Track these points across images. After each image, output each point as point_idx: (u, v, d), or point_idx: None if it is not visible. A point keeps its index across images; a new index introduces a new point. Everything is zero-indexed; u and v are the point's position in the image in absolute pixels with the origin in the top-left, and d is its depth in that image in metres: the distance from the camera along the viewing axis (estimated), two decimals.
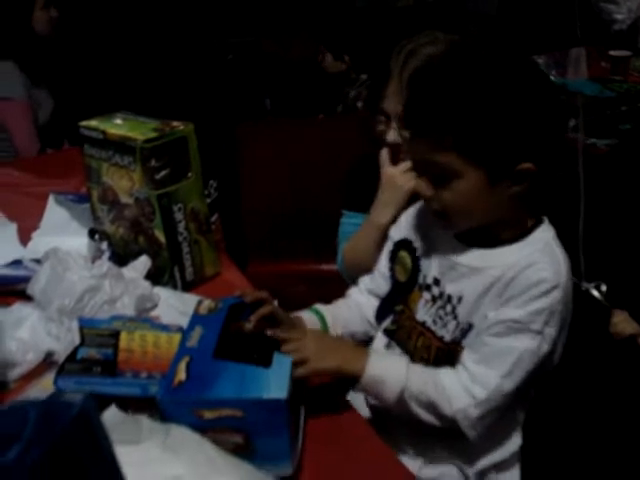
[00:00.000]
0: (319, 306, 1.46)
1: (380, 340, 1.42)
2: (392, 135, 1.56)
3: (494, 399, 1.19)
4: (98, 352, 1.21)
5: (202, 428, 1.03)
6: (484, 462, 1.29)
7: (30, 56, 3.04)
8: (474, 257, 1.26)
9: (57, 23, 3.08)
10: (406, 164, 1.53)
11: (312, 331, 1.30)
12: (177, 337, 1.23)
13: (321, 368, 1.20)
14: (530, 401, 1.34)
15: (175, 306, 1.45)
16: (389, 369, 1.23)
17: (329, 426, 1.21)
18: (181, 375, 1.08)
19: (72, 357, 1.21)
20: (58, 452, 0.63)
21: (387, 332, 1.41)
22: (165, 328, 1.29)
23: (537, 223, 1.26)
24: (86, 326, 1.26)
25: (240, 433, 1.05)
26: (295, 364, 1.16)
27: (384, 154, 1.58)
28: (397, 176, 1.55)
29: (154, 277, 1.56)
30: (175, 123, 1.55)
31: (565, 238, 1.28)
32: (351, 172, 1.74)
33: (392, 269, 1.42)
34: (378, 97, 1.58)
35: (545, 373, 1.26)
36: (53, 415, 0.65)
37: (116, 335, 1.24)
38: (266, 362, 1.11)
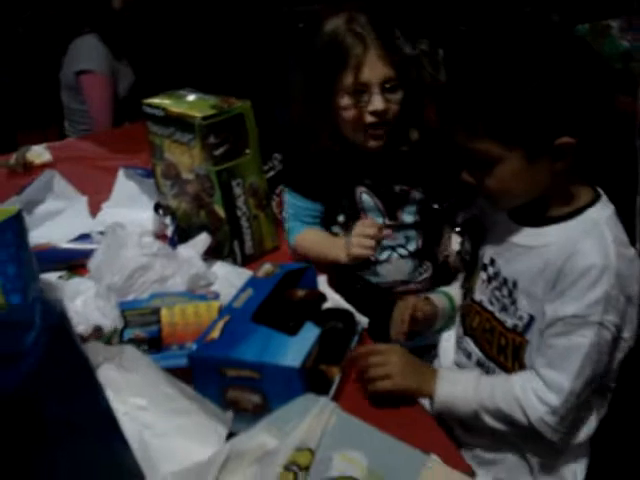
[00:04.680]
0: (446, 288, 1.52)
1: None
2: (377, 102, 1.51)
3: (569, 402, 1.18)
4: (143, 331, 1.28)
5: (225, 384, 1.11)
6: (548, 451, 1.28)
7: (112, 30, 3.12)
8: (526, 235, 1.25)
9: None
10: (362, 230, 1.51)
11: (397, 348, 1.30)
12: (215, 304, 1.31)
13: (400, 387, 1.23)
14: (611, 390, 1.31)
15: (233, 282, 1.48)
16: (457, 392, 1.25)
17: (376, 400, 1.23)
18: (215, 333, 1.16)
19: (120, 340, 1.27)
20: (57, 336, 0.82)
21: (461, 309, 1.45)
22: (203, 297, 1.35)
23: (594, 200, 1.23)
24: (127, 308, 1.32)
25: (258, 393, 1.10)
26: (379, 377, 1.21)
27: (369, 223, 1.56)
28: (351, 241, 1.51)
29: (215, 251, 1.60)
30: (233, 100, 1.57)
31: (623, 211, 1.25)
32: (308, 162, 1.68)
33: (460, 248, 1.44)
34: (353, 70, 1.51)
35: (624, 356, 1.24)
36: (49, 310, 0.83)
37: (157, 312, 1.30)
38: (293, 331, 1.15)
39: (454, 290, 1.50)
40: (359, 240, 1.49)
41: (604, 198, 1.24)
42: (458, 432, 1.34)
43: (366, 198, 1.64)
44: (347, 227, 1.68)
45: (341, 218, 1.67)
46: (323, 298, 1.35)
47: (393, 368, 1.22)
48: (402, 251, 1.69)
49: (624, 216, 1.24)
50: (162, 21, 3.50)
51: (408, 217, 1.67)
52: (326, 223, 1.70)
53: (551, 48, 1.17)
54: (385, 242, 1.65)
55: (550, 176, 1.18)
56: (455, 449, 1.18)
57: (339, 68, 1.51)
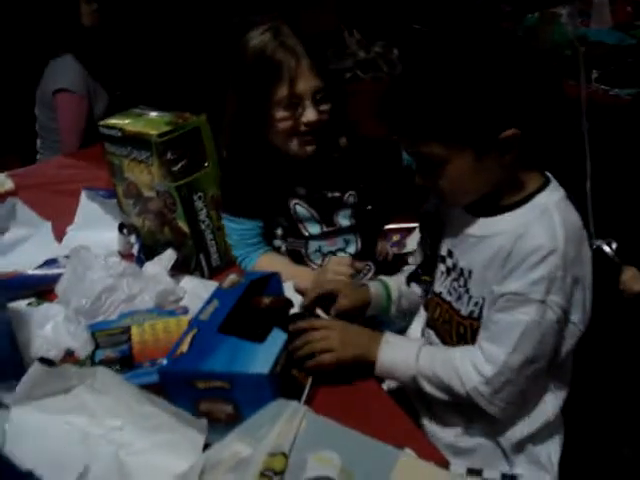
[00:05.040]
0: (385, 278, 1.55)
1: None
2: (310, 113, 1.56)
3: (504, 375, 1.21)
4: (113, 351, 1.29)
5: (197, 397, 1.12)
6: (517, 434, 1.30)
7: (85, 49, 3.15)
8: (480, 226, 1.28)
9: (99, 16, 3.17)
10: (337, 269, 1.55)
11: (336, 322, 1.35)
12: (185, 319, 1.33)
13: (343, 358, 1.28)
14: (570, 372, 1.34)
15: (202, 295, 1.49)
16: (398, 358, 1.29)
17: (346, 396, 1.25)
18: (184, 347, 1.17)
19: (92, 362, 1.28)
20: None
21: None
22: (172, 313, 1.37)
23: (543, 185, 1.25)
24: (97, 330, 1.33)
25: (230, 403, 1.12)
26: (320, 352, 1.26)
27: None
28: (328, 278, 1.55)
29: (182, 266, 1.61)
30: (187, 115, 1.59)
31: (575, 196, 1.27)
32: (236, 181, 1.70)
33: (421, 240, 1.47)
34: (287, 83, 1.54)
35: (579, 340, 1.26)
36: None
37: (127, 331, 1.32)
38: (261, 338, 1.16)
39: (394, 280, 1.54)
40: (333, 277, 1.54)
41: (553, 183, 1.27)
42: (431, 424, 1.36)
43: (300, 209, 1.68)
44: (286, 239, 1.71)
45: (279, 231, 1.71)
46: (290, 304, 1.37)
47: (333, 341, 1.27)
48: (342, 255, 1.72)
49: (576, 201, 1.27)
50: (131, 37, 3.52)
51: (344, 221, 1.70)
52: (267, 238, 1.73)
53: (486, 46, 1.19)
54: (325, 247, 1.69)
55: (500, 169, 1.21)
56: (428, 441, 1.21)
57: (272, 82, 1.54)
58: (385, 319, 1.57)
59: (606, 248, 1.60)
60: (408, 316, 1.59)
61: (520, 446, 1.31)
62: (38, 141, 3.35)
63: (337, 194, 1.69)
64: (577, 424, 1.40)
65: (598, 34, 2.79)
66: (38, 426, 1.09)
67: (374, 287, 1.51)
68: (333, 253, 1.72)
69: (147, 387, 1.15)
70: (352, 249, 1.73)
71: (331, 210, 1.70)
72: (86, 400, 1.11)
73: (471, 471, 1.27)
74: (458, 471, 1.26)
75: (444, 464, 1.09)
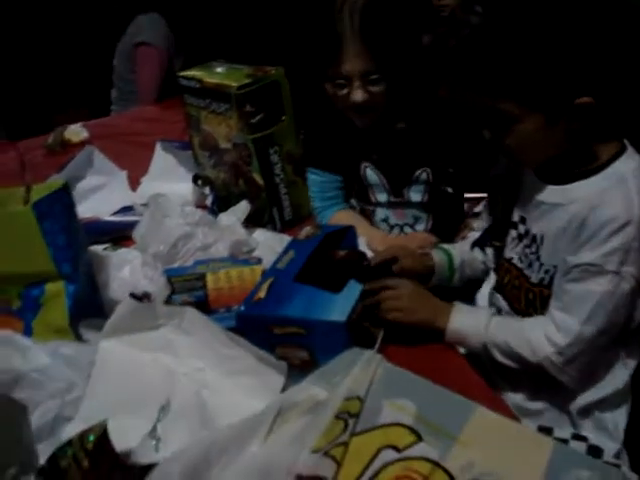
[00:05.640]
0: (448, 246, 1.55)
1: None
2: (359, 95, 1.57)
3: (577, 345, 1.21)
4: (190, 296, 1.33)
5: (273, 342, 1.15)
6: (584, 400, 1.30)
7: (173, 9, 3.22)
8: (553, 193, 1.27)
9: None
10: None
11: (409, 283, 1.35)
12: (259, 268, 1.35)
13: (412, 319, 1.29)
14: None
15: (274, 248, 1.51)
16: (469, 324, 1.29)
17: (417, 353, 1.26)
18: (261, 293, 1.19)
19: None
20: None
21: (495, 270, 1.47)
22: (246, 262, 1.39)
23: (619, 153, 1.24)
24: (174, 275, 1.36)
25: (305, 349, 1.14)
26: (390, 309, 1.28)
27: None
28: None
29: (255, 219, 1.63)
30: (267, 68, 1.59)
31: None
32: (315, 134, 1.74)
33: (490, 204, 1.46)
34: (334, 63, 1.56)
35: None
36: None
37: (202, 277, 1.34)
38: (337, 288, 1.18)
39: (457, 247, 1.54)
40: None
41: (630, 150, 1.25)
42: (500, 384, 1.36)
43: (370, 173, 1.68)
44: (360, 197, 1.71)
45: (356, 188, 1.71)
46: (364, 257, 1.38)
47: (404, 301, 1.29)
48: (410, 230, 1.71)
49: None
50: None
51: (415, 196, 1.69)
52: (346, 195, 1.74)
53: (572, 8, 1.17)
54: (392, 219, 1.68)
55: (569, 134, 1.20)
56: (501, 400, 1.21)
57: (322, 57, 1.57)
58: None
59: None
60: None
61: (587, 411, 1.31)
62: (113, 91, 3.43)
63: (409, 167, 1.68)
64: None
65: None
66: (124, 359, 1.11)
67: (437, 256, 1.51)
68: (400, 227, 1.72)
69: None
70: (421, 227, 1.73)
71: (401, 182, 1.69)
72: (172, 339, 1.14)
73: (541, 429, 1.28)
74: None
75: (516, 420, 1.09)
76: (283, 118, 1.60)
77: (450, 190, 1.71)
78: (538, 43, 1.15)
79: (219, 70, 1.66)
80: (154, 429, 1.02)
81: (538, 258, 1.28)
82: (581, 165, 1.24)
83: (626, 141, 1.26)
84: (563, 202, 1.25)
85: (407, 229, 1.73)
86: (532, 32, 1.16)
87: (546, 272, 1.27)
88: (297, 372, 1.12)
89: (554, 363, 1.23)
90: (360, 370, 0.99)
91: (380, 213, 1.73)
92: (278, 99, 1.59)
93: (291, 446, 0.92)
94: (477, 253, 1.54)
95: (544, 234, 1.27)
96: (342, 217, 1.71)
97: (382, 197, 1.71)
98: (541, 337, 1.24)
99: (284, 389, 1.08)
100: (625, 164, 1.22)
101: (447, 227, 1.76)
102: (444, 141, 1.66)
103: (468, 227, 1.70)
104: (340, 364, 1.02)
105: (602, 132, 1.23)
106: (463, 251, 1.54)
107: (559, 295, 1.24)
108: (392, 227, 1.72)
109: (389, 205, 1.71)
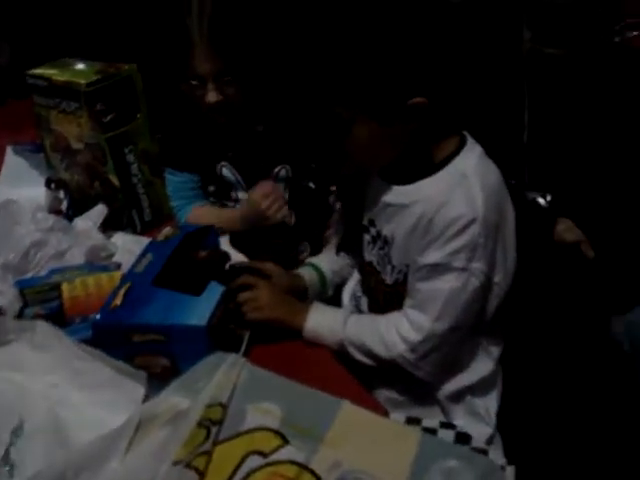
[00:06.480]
0: (316, 260, 1.53)
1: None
2: (213, 96, 1.56)
3: (429, 342, 1.23)
4: (43, 308, 1.26)
5: (132, 351, 1.10)
6: (453, 387, 1.31)
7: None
8: (398, 194, 1.27)
9: None
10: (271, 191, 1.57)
11: (268, 283, 1.34)
12: (117, 274, 1.29)
13: (270, 317, 1.28)
14: (502, 327, 1.36)
15: (135, 251, 1.46)
16: (325, 323, 1.29)
17: (285, 350, 1.26)
18: (118, 300, 1.14)
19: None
20: None
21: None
22: (105, 268, 1.34)
23: (459, 148, 1.24)
24: (26, 286, 1.29)
25: (166, 357, 1.10)
26: (249, 309, 1.26)
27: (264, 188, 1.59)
28: (269, 207, 1.58)
29: (113, 222, 1.57)
30: (119, 64, 1.53)
31: (510, 148, 1.26)
32: (170, 134, 1.72)
33: (343, 207, 1.46)
34: (187, 64, 1.55)
35: (510, 300, 1.28)
36: None
37: (57, 287, 1.27)
38: (197, 291, 1.14)
39: (325, 259, 1.53)
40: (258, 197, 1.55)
41: (470, 143, 1.25)
42: (370, 378, 1.36)
43: (226, 172, 1.66)
44: (218, 196, 1.69)
45: (212, 188, 1.69)
46: (226, 257, 1.35)
47: (261, 301, 1.27)
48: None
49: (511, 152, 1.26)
50: None
51: None
52: (203, 193, 1.71)
53: (393, 13, 1.16)
54: None
55: (408, 135, 1.19)
56: (368, 394, 1.21)
57: (173, 56, 1.55)
58: None
59: (540, 200, 1.62)
60: None
61: (457, 398, 1.33)
62: None
63: (267, 164, 1.66)
64: (517, 375, 1.41)
65: None
66: None
67: (308, 273, 1.49)
68: None
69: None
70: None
71: (259, 179, 1.67)
72: (24, 355, 1.08)
73: (410, 420, 1.28)
74: (397, 420, 1.26)
75: (384, 414, 1.09)
76: (138, 116, 1.54)
77: (312, 185, 1.70)
78: (362, 49, 1.13)
79: (70, 68, 1.59)
80: (7, 454, 0.96)
81: (390, 260, 1.29)
82: (422, 164, 1.24)
83: (466, 133, 1.27)
84: (408, 202, 1.24)
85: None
86: (354, 38, 1.14)
87: (399, 272, 1.28)
88: (159, 381, 1.07)
89: (407, 360, 1.24)
90: (223, 375, 0.96)
91: None
92: (132, 96, 1.53)
93: (152, 460, 0.88)
94: (344, 258, 1.53)
95: (394, 235, 1.27)
96: (200, 212, 1.69)
97: (242, 195, 1.69)
98: (395, 335, 1.24)
99: (146, 400, 1.03)
100: (465, 159, 1.22)
101: (313, 223, 1.74)
102: (303, 137, 1.65)
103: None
104: (202, 370, 0.98)
105: (440, 129, 1.23)
106: (332, 261, 1.52)
107: (412, 293, 1.25)
108: None
109: None
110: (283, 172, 1.67)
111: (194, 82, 1.57)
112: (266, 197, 1.58)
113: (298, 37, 1.27)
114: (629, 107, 1.60)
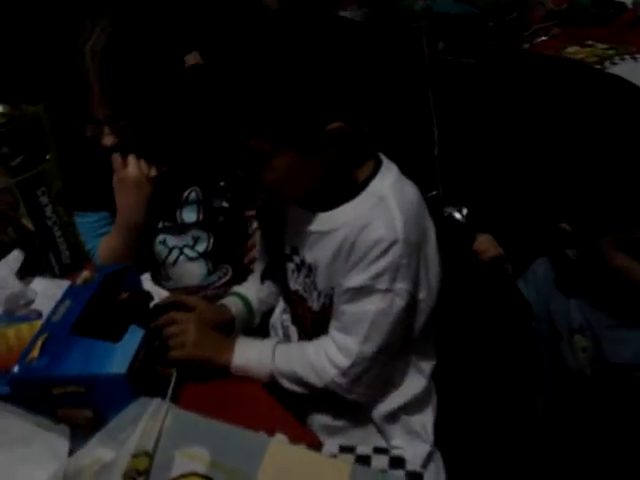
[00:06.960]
0: (242, 289, 1.50)
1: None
2: (108, 140, 1.53)
3: (359, 365, 1.22)
4: None
5: (53, 404, 1.06)
6: (387, 407, 1.30)
7: None
8: (319, 221, 1.25)
9: None
10: (133, 161, 1.55)
11: (194, 317, 1.31)
12: (38, 323, 1.24)
13: (195, 355, 1.25)
14: (434, 346, 1.35)
15: (55, 296, 1.41)
16: (252, 358, 1.28)
17: (215, 387, 1.24)
18: (34, 352, 1.10)
19: None
20: None
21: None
22: (25, 318, 1.30)
23: (376, 169, 1.23)
24: None
25: (89, 408, 1.07)
26: (174, 346, 1.24)
27: (116, 160, 1.55)
28: (139, 176, 1.55)
29: (30, 267, 1.53)
30: (24, 106, 1.50)
31: (423, 163, 1.27)
32: (77, 175, 1.67)
33: (262, 238, 1.45)
34: (82, 107, 1.51)
35: (435, 315, 1.28)
36: None
37: None
38: (116, 337, 1.11)
39: (251, 287, 1.51)
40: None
41: (385, 164, 1.25)
42: (304, 406, 1.35)
43: None
44: None
45: None
46: (148, 296, 1.32)
47: (186, 338, 1.25)
48: (190, 252, 1.68)
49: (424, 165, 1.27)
50: None
51: (189, 216, 1.65)
52: None
53: (301, 41, 1.15)
54: (171, 242, 1.64)
55: (328, 161, 1.18)
56: (300, 425, 1.19)
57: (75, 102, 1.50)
58: None
59: (457, 215, 1.63)
60: None
61: (393, 418, 1.31)
62: None
63: (175, 190, 1.64)
64: (451, 389, 1.42)
65: (443, 6, 2.83)
66: None
67: (234, 304, 1.46)
68: (180, 249, 1.68)
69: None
70: (202, 247, 1.68)
71: (170, 206, 1.65)
72: None
73: (344, 448, 1.27)
74: (331, 450, 1.25)
75: (316, 445, 1.08)
76: (47, 157, 1.51)
77: (226, 204, 1.67)
78: (275, 79, 1.11)
79: None
80: None
81: (315, 287, 1.28)
82: (341, 189, 1.23)
83: (381, 154, 1.26)
84: (330, 229, 1.23)
85: (187, 250, 1.68)
86: (266, 70, 1.12)
87: (325, 296, 1.27)
88: (84, 433, 1.04)
89: (339, 385, 1.23)
90: (147, 422, 0.94)
91: (159, 237, 1.68)
92: (40, 137, 1.50)
93: None
94: (269, 286, 1.51)
95: (318, 262, 1.26)
96: (105, 242, 1.64)
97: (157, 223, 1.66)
98: (324, 360, 1.23)
99: (71, 453, 0.99)
100: (382, 181, 1.22)
101: (231, 243, 1.72)
102: (210, 160, 1.63)
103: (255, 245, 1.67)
104: (126, 419, 0.96)
105: (358, 153, 1.22)
106: (258, 289, 1.50)
107: (338, 315, 1.24)
108: (171, 249, 1.67)
109: (164, 230, 1.66)
110: (193, 195, 1.65)
111: (90, 125, 1.52)
112: None
113: (204, 74, 1.25)
114: (536, 114, 1.63)
